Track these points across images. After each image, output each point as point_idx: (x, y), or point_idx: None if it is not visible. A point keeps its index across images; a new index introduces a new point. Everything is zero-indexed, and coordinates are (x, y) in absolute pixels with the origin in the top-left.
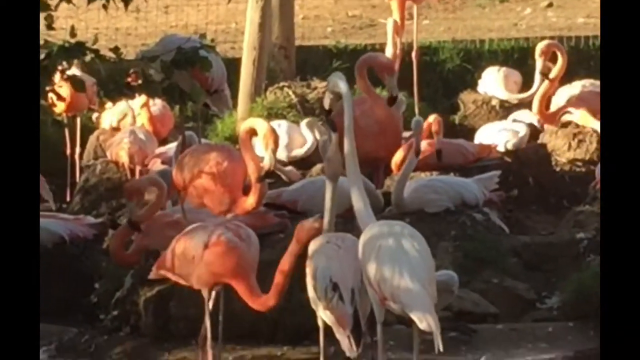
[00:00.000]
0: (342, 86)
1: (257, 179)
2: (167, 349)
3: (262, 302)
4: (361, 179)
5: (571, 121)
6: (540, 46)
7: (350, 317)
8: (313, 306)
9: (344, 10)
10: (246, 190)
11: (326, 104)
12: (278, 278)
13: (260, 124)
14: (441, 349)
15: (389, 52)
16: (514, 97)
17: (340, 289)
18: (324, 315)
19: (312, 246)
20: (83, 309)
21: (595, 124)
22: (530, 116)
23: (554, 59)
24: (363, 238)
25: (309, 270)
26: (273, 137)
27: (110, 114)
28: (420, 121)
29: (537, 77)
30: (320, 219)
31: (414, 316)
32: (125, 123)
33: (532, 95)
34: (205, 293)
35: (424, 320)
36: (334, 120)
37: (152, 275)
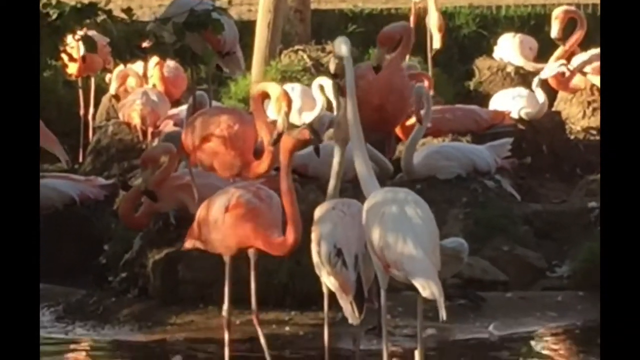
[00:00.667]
0: (344, 50)
1: (269, 143)
2: (175, 312)
3: (284, 242)
4: (364, 144)
5: (585, 88)
6: (556, 11)
7: (353, 283)
8: (317, 271)
9: None
10: (257, 154)
11: (332, 68)
12: (286, 207)
13: (273, 87)
14: (444, 318)
15: (433, 20)
16: (530, 65)
17: (344, 255)
18: (327, 281)
19: (318, 212)
20: (92, 271)
21: None
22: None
23: (572, 25)
24: (367, 205)
25: (314, 236)
26: (286, 101)
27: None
28: (421, 88)
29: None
30: (306, 129)
31: (416, 283)
32: (131, 85)
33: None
34: (227, 259)
35: (427, 288)
36: (342, 84)
37: (185, 246)
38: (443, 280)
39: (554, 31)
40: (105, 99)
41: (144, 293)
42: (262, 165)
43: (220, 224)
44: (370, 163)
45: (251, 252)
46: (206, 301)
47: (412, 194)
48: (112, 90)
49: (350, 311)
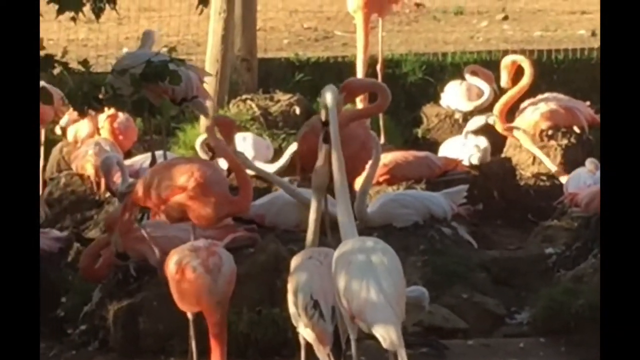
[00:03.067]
0: (328, 99)
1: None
2: None
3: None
4: (348, 192)
5: (535, 135)
6: (505, 61)
7: (330, 335)
8: (294, 322)
9: (299, 22)
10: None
11: (322, 115)
12: None
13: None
14: None
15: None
16: (470, 105)
17: (321, 306)
18: (304, 333)
19: (295, 262)
20: (50, 323)
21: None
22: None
23: (520, 72)
24: (336, 254)
25: (290, 286)
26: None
27: (73, 128)
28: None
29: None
30: None
31: (377, 333)
32: (81, 136)
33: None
34: (190, 315)
35: (388, 338)
36: (328, 131)
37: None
38: (404, 328)
39: (503, 81)
40: (55, 151)
41: (105, 345)
42: (244, 200)
43: (173, 284)
44: (352, 212)
45: None
46: (167, 353)
47: (381, 243)
48: (70, 138)
49: None
